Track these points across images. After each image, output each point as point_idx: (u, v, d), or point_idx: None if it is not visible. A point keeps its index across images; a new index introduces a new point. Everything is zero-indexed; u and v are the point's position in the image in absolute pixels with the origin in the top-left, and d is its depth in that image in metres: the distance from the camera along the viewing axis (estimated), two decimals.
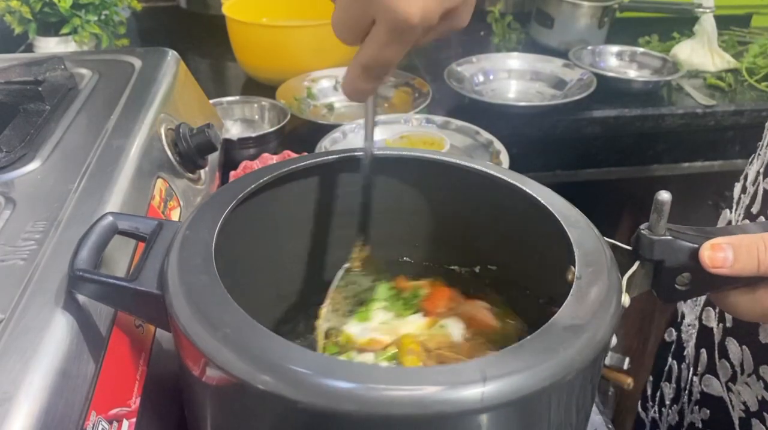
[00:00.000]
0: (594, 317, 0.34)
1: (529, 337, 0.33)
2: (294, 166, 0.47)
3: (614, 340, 0.40)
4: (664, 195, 0.37)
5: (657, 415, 0.76)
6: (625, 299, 0.38)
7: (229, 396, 0.34)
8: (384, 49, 0.40)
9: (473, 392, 0.30)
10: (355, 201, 0.51)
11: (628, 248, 0.40)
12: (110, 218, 0.41)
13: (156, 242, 0.40)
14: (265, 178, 0.46)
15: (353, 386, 0.30)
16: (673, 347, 0.74)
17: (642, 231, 0.39)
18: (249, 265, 0.49)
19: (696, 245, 0.38)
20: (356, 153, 0.49)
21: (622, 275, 0.39)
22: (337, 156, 0.49)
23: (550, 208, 0.42)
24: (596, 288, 0.36)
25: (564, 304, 0.35)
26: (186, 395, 0.40)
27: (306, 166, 0.48)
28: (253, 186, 0.45)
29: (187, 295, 0.35)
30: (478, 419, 0.31)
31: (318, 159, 0.49)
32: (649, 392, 0.79)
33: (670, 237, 0.38)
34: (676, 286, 0.40)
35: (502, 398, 0.30)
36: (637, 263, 0.40)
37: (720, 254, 0.37)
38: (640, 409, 0.80)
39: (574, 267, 0.38)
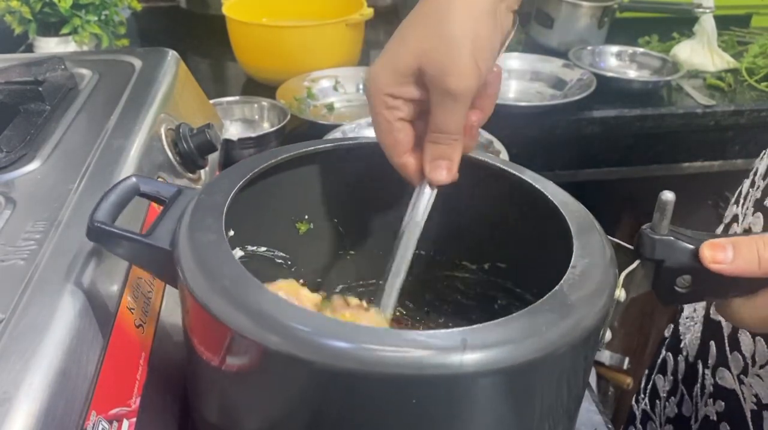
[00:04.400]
0: (583, 304, 0.35)
1: (515, 313, 0.33)
2: (315, 147, 0.48)
3: (608, 335, 0.40)
4: (668, 195, 0.37)
5: (648, 407, 0.76)
6: (620, 294, 0.38)
7: (226, 352, 0.35)
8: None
9: (454, 359, 0.31)
10: (369, 189, 0.52)
11: (630, 247, 0.40)
12: (133, 180, 0.42)
13: (174, 205, 0.41)
14: (285, 156, 0.47)
15: (351, 346, 0.31)
16: (668, 340, 0.74)
17: (644, 230, 0.39)
18: (266, 238, 0.51)
19: (696, 247, 0.38)
20: (371, 141, 0.50)
21: (622, 271, 0.39)
22: (360, 142, 0.50)
23: (556, 203, 0.43)
24: (590, 278, 0.36)
25: (555, 288, 0.35)
26: (189, 360, 0.41)
27: (325, 149, 0.49)
28: (272, 161, 0.46)
29: (193, 249, 0.36)
30: (456, 384, 0.32)
31: (340, 143, 0.49)
32: (642, 385, 0.79)
33: (671, 237, 0.38)
34: (676, 288, 0.40)
35: (480, 367, 0.31)
36: (637, 262, 0.40)
37: (720, 251, 0.37)
38: (633, 403, 0.80)
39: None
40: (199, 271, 0.35)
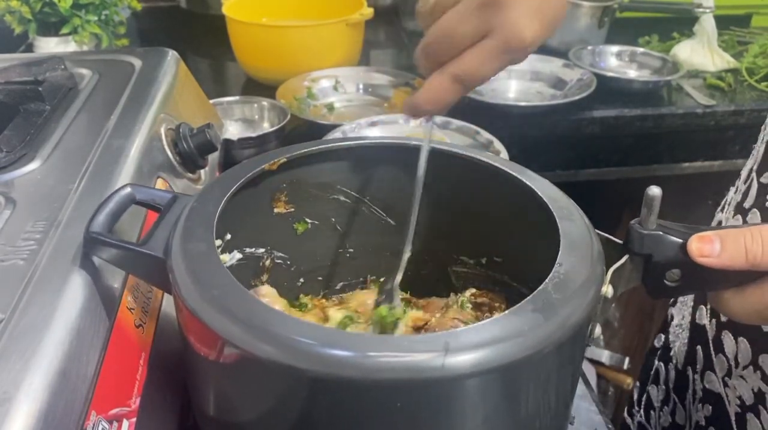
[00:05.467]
0: (568, 302, 0.35)
1: (499, 315, 0.34)
2: (307, 150, 0.48)
3: (598, 330, 0.40)
4: (655, 190, 0.38)
5: (643, 419, 0.76)
6: (608, 290, 0.39)
7: (221, 359, 0.35)
8: (487, 63, 0.42)
9: (436, 362, 0.31)
10: (364, 189, 0.52)
11: (620, 242, 0.41)
12: (128, 189, 0.43)
13: (169, 212, 0.42)
14: (276, 159, 0.47)
15: (339, 353, 0.31)
16: (660, 350, 0.74)
17: (632, 225, 0.39)
18: (263, 239, 0.52)
19: (684, 241, 0.38)
20: (366, 141, 0.51)
21: (610, 266, 0.39)
22: (351, 143, 0.50)
23: (544, 199, 0.43)
24: (576, 275, 0.37)
25: (540, 287, 0.35)
26: (187, 365, 0.41)
27: (319, 150, 0.49)
28: (264, 166, 0.46)
29: (185, 259, 0.37)
30: (441, 387, 0.32)
31: (331, 145, 0.50)
32: (635, 397, 0.78)
33: (659, 232, 0.39)
34: (666, 282, 0.40)
35: (463, 370, 0.31)
36: (625, 257, 0.40)
37: (707, 244, 0.37)
38: (626, 415, 0.80)
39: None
40: (190, 281, 0.36)
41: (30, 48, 1.15)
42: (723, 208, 0.66)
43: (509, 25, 0.41)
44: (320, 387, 0.33)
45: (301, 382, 0.33)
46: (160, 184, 0.54)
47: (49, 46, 1.10)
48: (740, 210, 0.60)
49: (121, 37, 1.17)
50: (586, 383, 0.59)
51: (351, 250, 0.56)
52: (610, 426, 0.56)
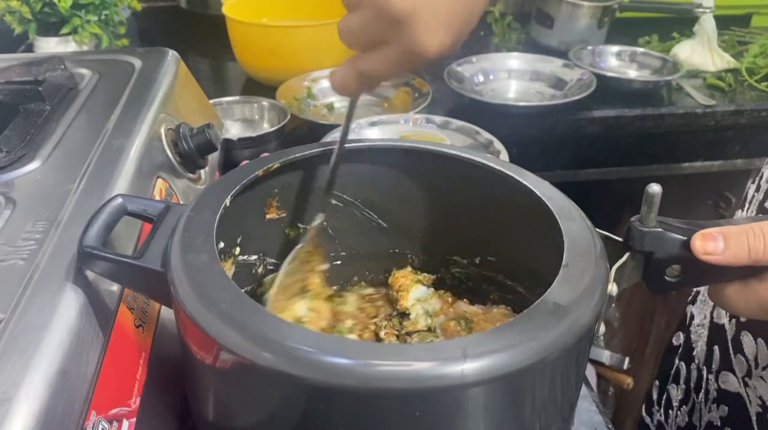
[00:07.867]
0: (577, 303, 0.35)
1: (512, 319, 0.34)
2: (300, 155, 0.48)
3: (602, 328, 0.40)
4: (655, 187, 0.38)
5: (663, 418, 0.76)
6: (613, 288, 0.39)
7: (225, 371, 0.35)
8: (388, 67, 0.43)
9: (455, 369, 0.31)
10: (356, 193, 0.52)
11: (620, 239, 0.41)
12: (120, 200, 0.42)
13: (162, 223, 0.41)
14: (269, 165, 0.47)
15: (352, 363, 0.31)
16: (681, 349, 0.74)
17: (633, 223, 0.40)
18: (255, 246, 0.51)
19: (685, 238, 0.38)
20: (356, 145, 0.50)
21: (612, 265, 0.39)
22: (348, 146, 0.49)
23: (544, 199, 0.43)
24: (582, 276, 0.37)
25: (549, 289, 0.36)
26: (188, 374, 0.41)
27: (311, 154, 0.49)
28: (258, 172, 0.46)
29: (187, 272, 0.36)
30: (459, 394, 0.32)
31: (324, 148, 0.49)
32: (655, 396, 0.79)
33: (660, 229, 0.39)
34: (666, 277, 0.40)
35: (481, 376, 0.31)
36: (627, 254, 0.40)
37: (711, 242, 0.38)
38: (644, 414, 0.80)
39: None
40: (195, 295, 0.35)
41: (30, 48, 1.15)
42: (743, 206, 0.66)
43: (408, 38, 0.41)
44: (340, 399, 0.32)
45: (321, 395, 0.32)
46: (160, 184, 0.54)
47: (49, 46, 1.10)
48: (763, 210, 0.60)
49: (121, 37, 1.17)
50: (586, 383, 0.59)
51: (343, 253, 0.56)
52: (610, 426, 0.56)
